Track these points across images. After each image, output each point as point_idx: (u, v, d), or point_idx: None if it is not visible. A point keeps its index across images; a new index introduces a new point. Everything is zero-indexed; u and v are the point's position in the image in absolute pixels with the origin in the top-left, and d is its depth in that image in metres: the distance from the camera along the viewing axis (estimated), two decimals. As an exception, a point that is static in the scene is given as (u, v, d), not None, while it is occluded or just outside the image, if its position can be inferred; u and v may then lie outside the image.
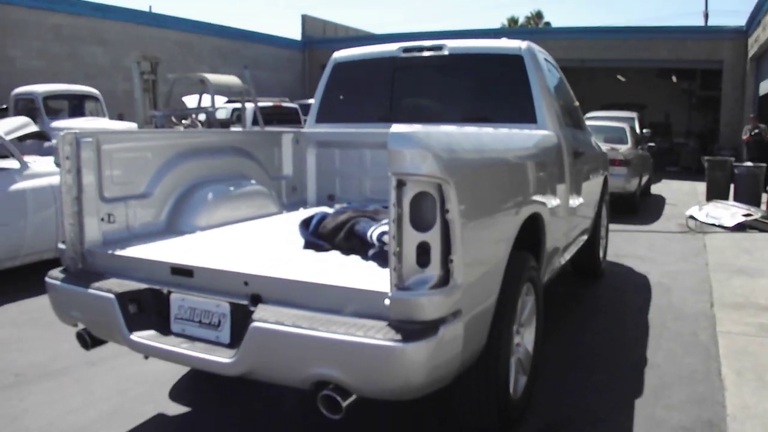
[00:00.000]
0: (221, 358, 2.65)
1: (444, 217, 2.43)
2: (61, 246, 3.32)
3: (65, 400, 3.86)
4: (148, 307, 2.97)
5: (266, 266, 2.95)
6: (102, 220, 3.39)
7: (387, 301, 2.43)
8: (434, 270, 2.45)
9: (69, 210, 3.25)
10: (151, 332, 2.91)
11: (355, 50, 5.43)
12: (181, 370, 4.23)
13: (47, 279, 3.27)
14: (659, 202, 13.97)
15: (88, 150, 3.25)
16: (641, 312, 5.75)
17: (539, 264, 3.88)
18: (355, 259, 3.19)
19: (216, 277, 2.88)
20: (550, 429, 3.56)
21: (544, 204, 3.79)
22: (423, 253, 2.44)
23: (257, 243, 3.58)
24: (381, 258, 3.05)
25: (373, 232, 3.11)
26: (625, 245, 8.71)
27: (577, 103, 6.04)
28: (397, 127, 2.39)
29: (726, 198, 12.38)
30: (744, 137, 15.39)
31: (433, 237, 2.44)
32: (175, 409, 3.80)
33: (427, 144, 2.42)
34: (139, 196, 3.65)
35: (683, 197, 14.58)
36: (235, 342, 2.74)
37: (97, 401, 3.85)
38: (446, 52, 4.95)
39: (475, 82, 5.04)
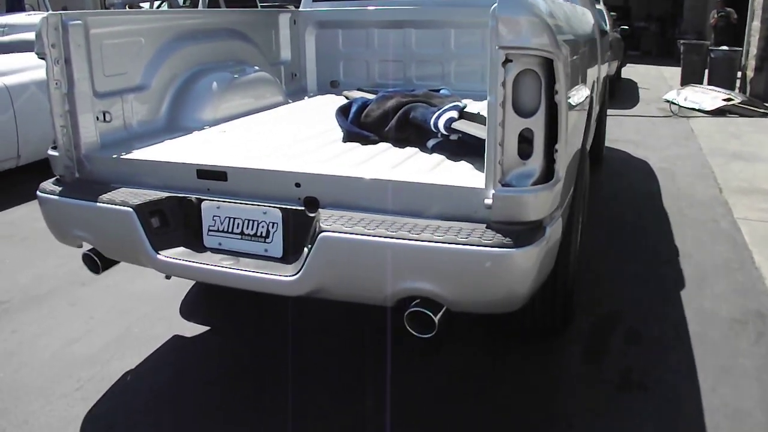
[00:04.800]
0: (281, 276, 2.21)
1: (551, 99, 2.00)
2: (52, 153, 2.73)
3: (63, 328, 3.39)
4: (174, 220, 2.49)
5: (317, 164, 2.48)
6: (97, 119, 2.83)
7: (488, 201, 2.02)
8: (536, 162, 2.03)
9: (59, 109, 2.65)
10: (181, 249, 2.44)
11: None
12: (185, 285, 3.77)
13: (39, 193, 2.68)
14: (632, 86, 13.65)
15: (77, 35, 2.65)
16: (654, 199, 5.55)
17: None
18: (413, 151, 2.73)
19: (258, 179, 2.39)
20: (602, 323, 3.36)
21: (593, 83, 3.40)
22: (524, 142, 2.02)
23: (286, 137, 3.06)
24: (446, 149, 2.61)
25: (439, 119, 2.62)
26: (614, 130, 8.44)
27: None
28: None
29: (700, 82, 12.09)
30: (711, 21, 15.00)
31: (537, 123, 2.00)
32: (192, 328, 3.37)
33: (539, 11, 1.95)
34: (135, 89, 3.06)
35: (653, 81, 14.29)
36: (288, 255, 2.31)
37: (100, 326, 3.40)
38: None
39: None
